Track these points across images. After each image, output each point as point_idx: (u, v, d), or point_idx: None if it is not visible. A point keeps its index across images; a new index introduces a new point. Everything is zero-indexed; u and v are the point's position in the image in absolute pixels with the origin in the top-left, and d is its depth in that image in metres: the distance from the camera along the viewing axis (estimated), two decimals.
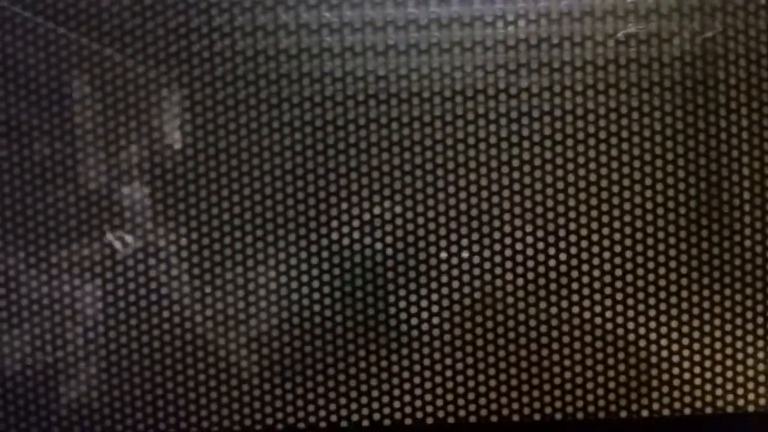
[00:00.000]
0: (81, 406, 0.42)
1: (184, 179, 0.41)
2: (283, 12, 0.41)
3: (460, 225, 0.41)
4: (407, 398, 0.41)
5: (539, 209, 0.41)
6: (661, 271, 0.41)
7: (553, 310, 0.41)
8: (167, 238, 0.41)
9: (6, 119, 0.41)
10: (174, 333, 0.41)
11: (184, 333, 0.41)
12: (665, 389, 0.41)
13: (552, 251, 0.41)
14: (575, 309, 0.41)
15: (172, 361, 0.41)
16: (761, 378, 0.41)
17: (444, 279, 0.41)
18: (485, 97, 0.41)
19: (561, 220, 0.41)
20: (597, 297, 0.41)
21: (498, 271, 0.41)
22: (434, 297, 0.41)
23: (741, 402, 0.41)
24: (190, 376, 0.41)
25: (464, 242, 0.41)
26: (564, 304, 0.41)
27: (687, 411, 0.41)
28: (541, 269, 0.41)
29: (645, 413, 0.41)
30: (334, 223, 0.41)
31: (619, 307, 0.41)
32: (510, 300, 0.41)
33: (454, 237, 0.41)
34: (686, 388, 0.41)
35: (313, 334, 0.41)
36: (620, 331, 0.41)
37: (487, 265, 0.41)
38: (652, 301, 0.41)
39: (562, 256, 0.41)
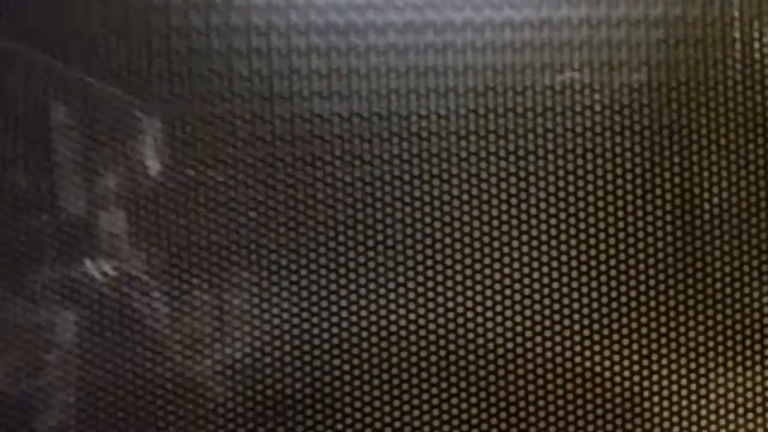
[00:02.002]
0: None
1: (164, 207, 0.42)
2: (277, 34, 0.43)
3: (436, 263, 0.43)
4: None
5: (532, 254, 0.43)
6: (651, 314, 0.44)
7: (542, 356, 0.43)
8: (146, 266, 0.42)
9: None
10: (153, 360, 0.42)
11: (162, 360, 0.42)
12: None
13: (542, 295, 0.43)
14: (566, 355, 0.43)
15: (149, 390, 0.41)
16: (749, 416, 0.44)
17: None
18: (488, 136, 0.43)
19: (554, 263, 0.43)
20: (589, 344, 0.44)
21: (479, 318, 0.43)
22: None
23: None
24: (167, 406, 0.42)
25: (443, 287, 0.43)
26: (555, 349, 0.43)
27: None
28: (528, 314, 0.43)
29: None
30: (314, 245, 0.42)
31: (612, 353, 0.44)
32: (499, 343, 0.43)
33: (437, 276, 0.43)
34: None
35: (293, 364, 0.42)
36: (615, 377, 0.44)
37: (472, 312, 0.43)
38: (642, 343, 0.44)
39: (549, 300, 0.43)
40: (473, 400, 0.43)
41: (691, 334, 0.44)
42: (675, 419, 0.44)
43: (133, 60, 0.41)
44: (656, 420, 0.44)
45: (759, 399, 0.44)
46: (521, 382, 0.43)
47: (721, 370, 0.44)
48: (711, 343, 0.44)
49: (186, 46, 0.42)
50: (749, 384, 0.44)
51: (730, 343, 0.44)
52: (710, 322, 0.44)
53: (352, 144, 0.43)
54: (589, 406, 0.43)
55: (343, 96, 0.42)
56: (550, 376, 0.43)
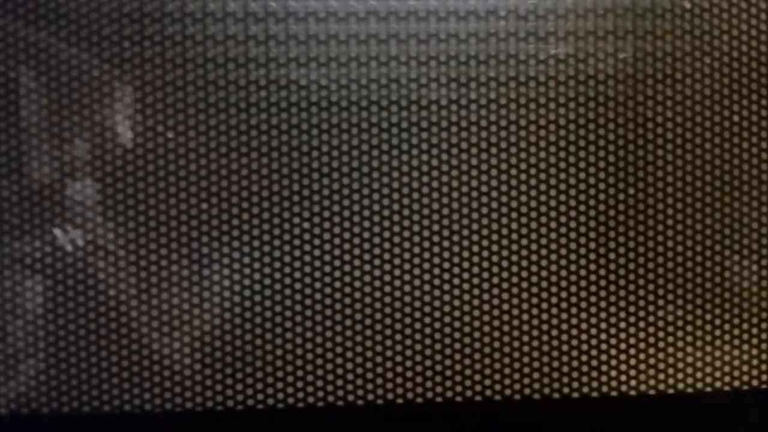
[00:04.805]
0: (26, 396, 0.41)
1: (134, 175, 0.41)
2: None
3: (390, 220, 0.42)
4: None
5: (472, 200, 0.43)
6: (589, 264, 0.43)
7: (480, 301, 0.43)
8: (114, 235, 0.41)
9: None
10: (120, 331, 0.41)
11: (130, 331, 0.41)
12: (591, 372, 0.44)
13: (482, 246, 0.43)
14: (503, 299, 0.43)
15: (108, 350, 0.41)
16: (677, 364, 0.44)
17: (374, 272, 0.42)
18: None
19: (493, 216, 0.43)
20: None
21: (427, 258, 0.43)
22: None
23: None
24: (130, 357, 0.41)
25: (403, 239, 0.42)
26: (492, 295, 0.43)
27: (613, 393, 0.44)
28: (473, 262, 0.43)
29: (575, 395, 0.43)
30: (280, 221, 0.42)
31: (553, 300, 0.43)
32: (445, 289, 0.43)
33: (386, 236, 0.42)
34: (611, 371, 0.44)
35: (264, 334, 0.42)
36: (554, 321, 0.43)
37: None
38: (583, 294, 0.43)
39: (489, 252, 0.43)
40: (430, 353, 0.43)
41: (659, 307, 0.43)
42: (642, 390, 0.44)
43: (103, 24, 0.41)
44: (623, 394, 0.43)
45: (726, 371, 0.44)
46: (486, 349, 0.43)
47: (685, 343, 0.44)
48: (679, 318, 0.43)
49: (159, 10, 0.41)
50: (717, 355, 0.44)
51: (698, 318, 0.44)
52: (678, 296, 0.43)
53: (323, 114, 0.42)
54: (546, 377, 0.43)
55: (314, 65, 0.42)
56: (514, 344, 0.43)
